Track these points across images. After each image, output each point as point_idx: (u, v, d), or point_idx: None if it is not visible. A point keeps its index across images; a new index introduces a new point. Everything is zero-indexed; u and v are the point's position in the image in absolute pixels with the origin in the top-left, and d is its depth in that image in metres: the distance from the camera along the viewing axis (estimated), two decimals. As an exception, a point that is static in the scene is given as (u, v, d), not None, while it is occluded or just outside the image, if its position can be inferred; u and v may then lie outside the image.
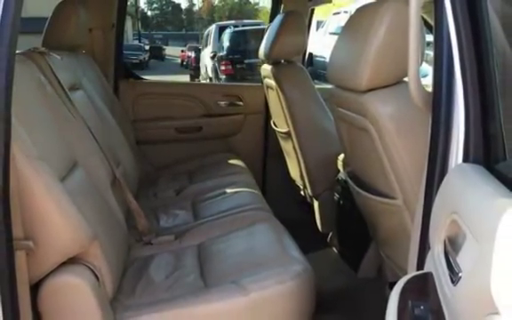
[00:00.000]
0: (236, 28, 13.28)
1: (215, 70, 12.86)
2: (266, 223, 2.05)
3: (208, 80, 13.74)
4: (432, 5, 1.15)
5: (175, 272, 1.75)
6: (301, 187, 2.90)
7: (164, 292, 1.64)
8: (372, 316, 1.30)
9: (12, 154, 1.18)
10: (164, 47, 29.65)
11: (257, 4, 50.76)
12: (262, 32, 3.34)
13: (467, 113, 1.06)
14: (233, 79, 11.55)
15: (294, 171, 2.92)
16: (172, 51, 29.95)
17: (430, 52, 1.23)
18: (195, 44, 22.42)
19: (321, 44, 11.40)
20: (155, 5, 59.17)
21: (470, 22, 1.06)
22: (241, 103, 3.34)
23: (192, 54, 18.96)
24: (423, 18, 1.48)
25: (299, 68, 2.82)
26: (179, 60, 26.19)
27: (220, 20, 36.58)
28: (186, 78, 16.41)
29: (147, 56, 23.67)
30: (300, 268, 1.66)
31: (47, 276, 1.40)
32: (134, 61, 20.50)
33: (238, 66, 12.04)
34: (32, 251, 1.30)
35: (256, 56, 3.34)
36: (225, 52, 12.47)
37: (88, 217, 1.50)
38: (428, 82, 1.23)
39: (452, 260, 0.89)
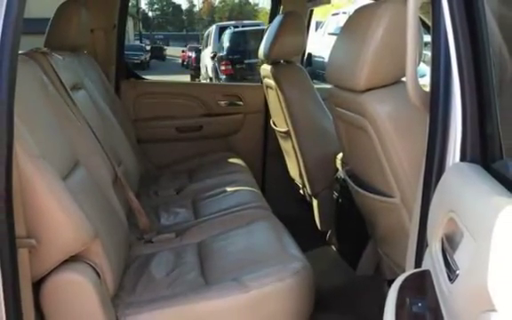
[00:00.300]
0: (236, 29, 13.26)
1: (215, 70, 12.84)
2: (265, 221, 2.07)
3: (208, 80, 13.72)
4: (429, 6, 1.15)
5: (176, 269, 1.76)
6: (300, 185, 2.91)
7: (164, 290, 1.65)
8: (371, 313, 1.31)
9: (14, 153, 1.19)
10: (165, 47, 29.53)
11: (256, 4, 50.78)
12: (262, 32, 3.35)
13: (464, 112, 1.07)
14: (233, 79, 11.53)
15: (293, 169, 2.93)
16: (173, 51, 29.90)
17: (428, 53, 1.24)
18: (195, 45, 22.37)
19: (320, 44, 11.39)
20: (156, 6, 59.20)
21: (467, 23, 1.07)
22: (241, 103, 3.35)
23: (192, 54, 18.93)
24: (421, 18, 1.48)
25: (298, 68, 2.83)
26: (179, 61, 26.15)
27: (221, 20, 36.46)
28: (186, 78, 16.39)
29: (148, 56, 23.59)
30: (299, 266, 1.67)
31: (49, 273, 1.41)
32: (135, 61, 20.44)
33: (238, 66, 12.03)
34: (34, 248, 1.31)
35: (256, 56, 3.36)
36: (225, 53, 12.45)
37: (90, 215, 1.51)
38: (425, 82, 1.23)
39: (449, 258, 0.90)
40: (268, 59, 2.79)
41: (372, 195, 1.73)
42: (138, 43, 30.65)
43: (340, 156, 2.35)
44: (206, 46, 15.10)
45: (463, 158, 1.07)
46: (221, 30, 13.85)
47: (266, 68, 2.85)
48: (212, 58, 13.24)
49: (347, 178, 1.96)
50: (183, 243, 2.00)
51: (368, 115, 1.57)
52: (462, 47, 1.07)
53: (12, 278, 1.19)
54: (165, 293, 1.63)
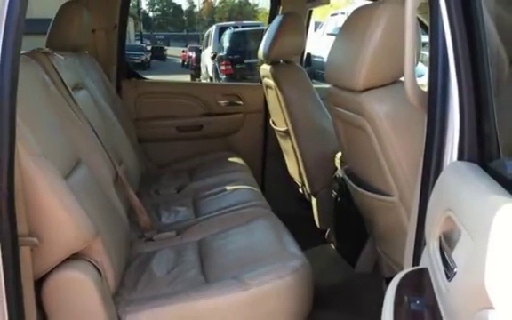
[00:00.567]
0: (236, 29, 13.28)
1: (215, 70, 12.84)
2: (265, 220, 2.08)
3: (208, 80, 13.72)
4: (427, 6, 1.16)
5: (176, 267, 1.77)
6: (300, 184, 2.92)
7: (165, 287, 1.66)
8: (369, 311, 1.31)
9: (16, 152, 1.20)
10: (166, 48, 29.52)
11: (256, 5, 50.72)
12: (261, 33, 3.36)
13: (461, 112, 1.07)
14: (233, 79, 11.54)
15: (293, 168, 2.94)
16: (174, 51, 29.89)
17: (426, 53, 1.24)
18: (195, 45, 22.33)
19: (319, 44, 11.38)
20: (156, 7, 59.16)
21: (465, 23, 1.08)
22: (241, 102, 3.36)
23: (193, 54, 18.92)
24: (419, 19, 1.49)
25: (297, 67, 2.84)
26: (180, 61, 26.15)
27: (221, 21, 36.41)
28: (187, 78, 16.38)
29: (148, 56, 23.56)
30: (299, 264, 1.68)
31: (51, 271, 1.42)
32: (136, 61, 20.40)
33: (238, 66, 12.04)
34: (36, 247, 1.32)
35: (255, 56, 3.37)
36: (225, 53, 12.46)
37: (91, 213, 1.52)
38: (423, 81, 1.24)
39: (447, 256, 0.90)
40: (268, 59, 2.80)
41: (370, 193, 1.74)
42: (139, 43, 30.64)
43: (338, 155, 2.36)
44: (206, 46, 15.10)
45: (461, 157, 1.07)
46: (221, 30, 13.85)
47: (265, 68, 2.86)
48: (213, 58, 13.24)
49: (345, 177, 1.97)
50: (184, 241, 2.01)
51: (367, 114, 1.58)
52: (460, 47, 1.08)
53: (13, 276, 1.20)
54: (166, 291, 1.64)
